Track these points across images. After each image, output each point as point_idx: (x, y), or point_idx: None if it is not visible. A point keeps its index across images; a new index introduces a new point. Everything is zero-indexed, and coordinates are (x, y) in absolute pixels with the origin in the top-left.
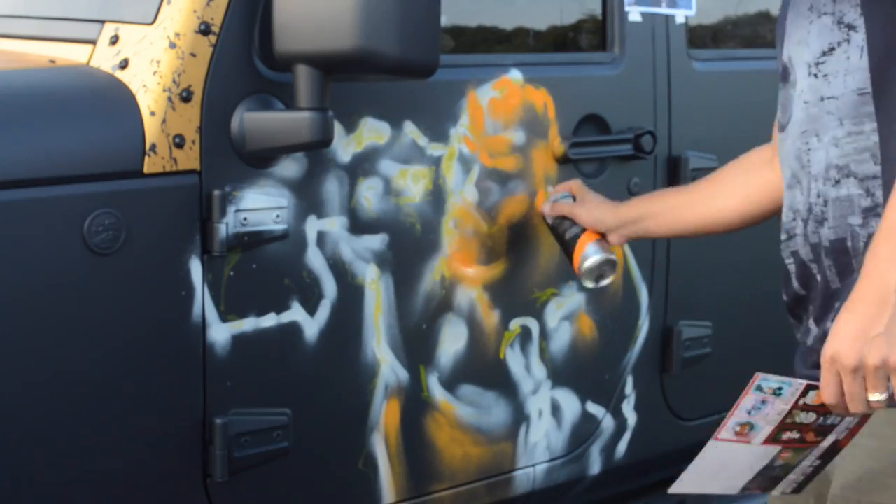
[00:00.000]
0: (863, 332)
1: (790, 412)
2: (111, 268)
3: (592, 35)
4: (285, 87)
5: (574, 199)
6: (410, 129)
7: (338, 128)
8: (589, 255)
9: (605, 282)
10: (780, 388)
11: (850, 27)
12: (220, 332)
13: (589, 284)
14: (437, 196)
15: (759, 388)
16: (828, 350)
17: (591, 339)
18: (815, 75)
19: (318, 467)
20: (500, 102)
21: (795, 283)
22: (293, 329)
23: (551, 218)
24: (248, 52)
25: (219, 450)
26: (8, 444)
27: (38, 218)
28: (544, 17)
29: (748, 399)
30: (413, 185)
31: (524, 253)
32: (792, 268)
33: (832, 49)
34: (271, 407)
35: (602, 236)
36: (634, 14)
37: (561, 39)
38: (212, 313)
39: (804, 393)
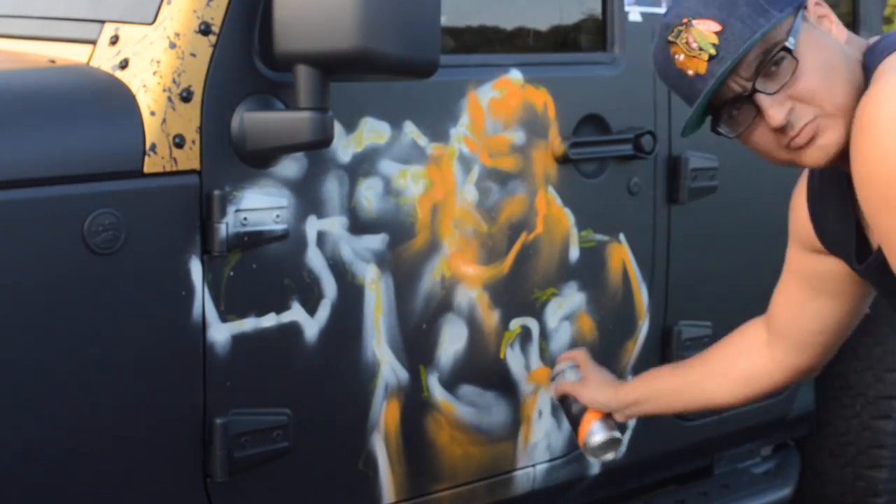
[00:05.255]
0: None
1: None
2: (111, 268)
3: (592, 35)
4: (285, 87)
5: (578, 366)
6: (410, 129)
7: (338, 128)
8: (594, 432)
9: (607, 457)
10: None
11: None
12: (220, 332)
13: (591, 458)
14: (437, 196)
15: None
16: None
17: (591, 339)
18: None
19: (318, 467)
20: (500, 102)
21: None
22: (293, 329)
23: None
24: (248, 52)
25: (219, 450)
26: (7, 443)
27: (38, 218)
28: (544, 17)
29: None
30: (413, 185)
31: (524, 253)
32: None
33: None
34: (271, 407)
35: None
36: (634, 14)
37: (561, 39)
38: (212, 313)
39: None
